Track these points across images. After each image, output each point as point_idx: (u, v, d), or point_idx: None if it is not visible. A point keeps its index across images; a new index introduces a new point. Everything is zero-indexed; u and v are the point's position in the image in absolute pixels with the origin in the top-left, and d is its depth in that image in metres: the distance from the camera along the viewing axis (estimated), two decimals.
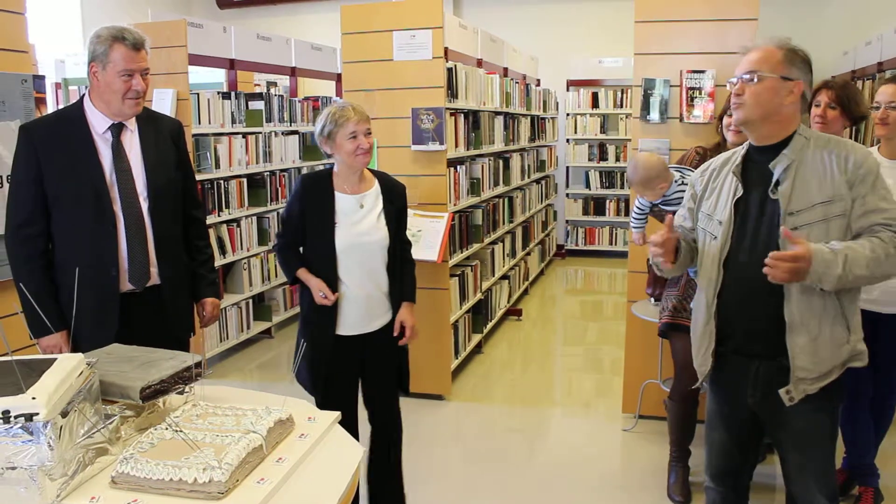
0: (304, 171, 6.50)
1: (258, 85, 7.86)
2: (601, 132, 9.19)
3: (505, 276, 6.31)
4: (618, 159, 9.14)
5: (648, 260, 3.11)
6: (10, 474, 1.45)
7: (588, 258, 9.28)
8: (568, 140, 9.25)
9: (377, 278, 2.77)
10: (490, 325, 5.83)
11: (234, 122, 5.39)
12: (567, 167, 9.36)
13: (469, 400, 4.62)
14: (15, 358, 1.58)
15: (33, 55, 4.71)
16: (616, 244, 9.22)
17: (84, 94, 2.53)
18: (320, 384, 2.77)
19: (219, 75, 6.12)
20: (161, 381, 1.79)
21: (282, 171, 6.10)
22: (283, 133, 6.14)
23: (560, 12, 8.97)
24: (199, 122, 5.01)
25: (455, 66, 4.67)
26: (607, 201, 9.27)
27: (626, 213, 8.84)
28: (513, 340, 6.02)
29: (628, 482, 3.61)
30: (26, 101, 3.16)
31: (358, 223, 2.73)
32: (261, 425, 1.68)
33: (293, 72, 6.40)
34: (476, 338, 5.45)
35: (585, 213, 9.36)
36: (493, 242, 5.91)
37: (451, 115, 4.64)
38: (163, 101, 4.69)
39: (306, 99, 6.61)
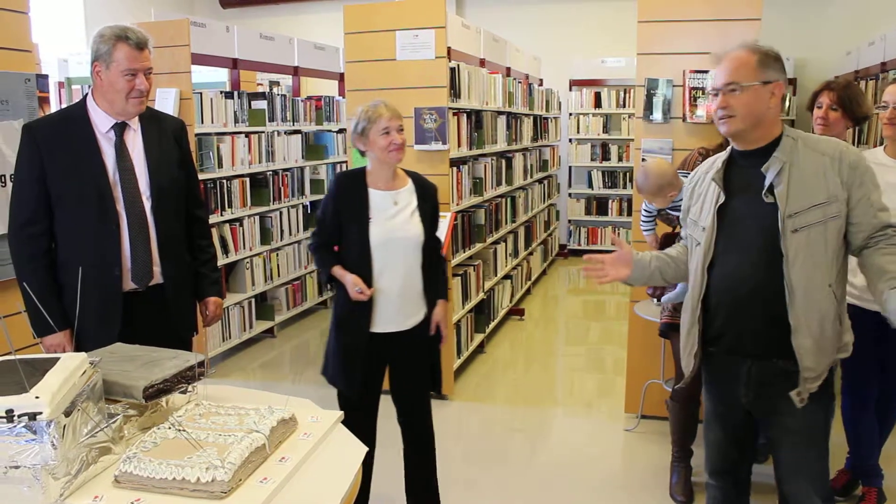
0: (307, 170, 6.51)
1: (261, 84, 7.87)
2: (604, 132, 9.18)
3: (507, 276, 6.31)
4: (620, 159, 9.13)
5: None
6: (13, 473, 1.46)
7: None
8: (571, 140, 9.24)
9: (411, 276, 2.77)
10: (492, 324, 5.83)
11: (236, 121, 5.40)
12: (570, 167, 9.36)
13: (471, 399, 4.62)
14: (18, 357, 1.58)
15: (37, 54, 4.70)
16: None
17: (87, 94, 2.53)
18: (356, 383, 2.77)
19: (222, 75, 6.12)
20: (164, 380, 1.79)
21: (284, 170, 6.11)
22: (285, 133, 6.14)
23: (563, 12, 8.96)
24: (202, 122, 5.01)
25: (458, 65, 4.67)
26: (610, 201, 9.27)
27: (629, 213, 8.84)
28: (515, 340, 6.02)
29: (630, 482, 3.60)
30: (30, 100, 3.16)
31: (392, 219, 2.73)
32: (264, 425, 1.68)
33: (296, 71, 6.41)
34: (478, 337, 5.45)
35: (588, 212, 9.35)
36: (496, 242, 5.91)
37: (454, 114, 4.63)
38: (166, 101, 4.70)
39: (309, 98, 6.61)
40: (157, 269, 2.56)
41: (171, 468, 1.49)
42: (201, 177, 4.63)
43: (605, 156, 9.19)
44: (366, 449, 1.78)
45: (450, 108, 4.43)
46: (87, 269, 2.32)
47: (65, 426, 1.49)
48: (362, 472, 2.84)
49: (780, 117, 2.15)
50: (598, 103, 9.10)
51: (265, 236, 5.89)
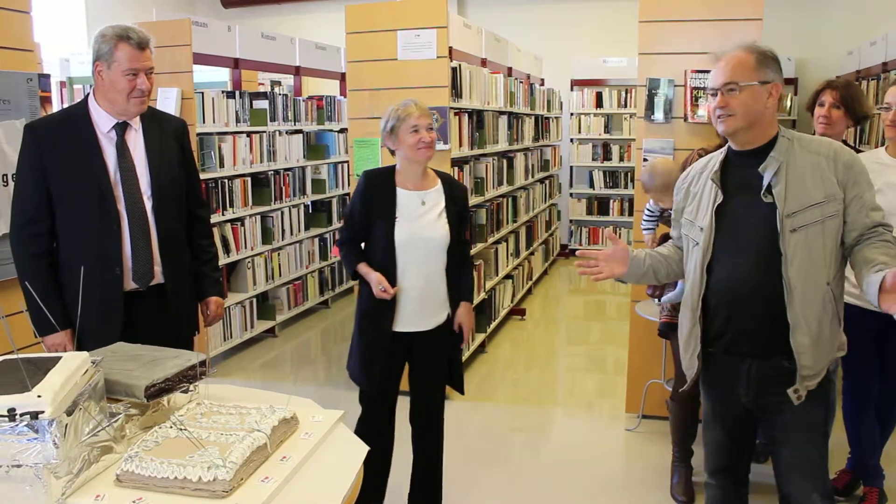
0: (308, 170, 6.52)
1: (262, 84, 7.87)
2: (605, 132, 9.17)
3: (508, 276, 6.31)
4: (622, 159, 9.13)
5: None
6: (15, 472, 1.46)
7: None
8: (572, 140, 9.23)
9: (435, 276, 2.77)
10: (493, 324, 5.83)
11: (238, 121, 5.40)
12: (571, 167, 9.35)
13: (472, 399, 4.62)
14: (20, 356, 1.59)
15: (38, 54, 4.72)
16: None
17: (89, 93, 2.53)
18: (375, 381, 2.78)
19: (223, 74, 6.13)
20: (166, 379, 1.80)
21: (286, 170, 6.11)
22: (287, 132, 6.15)
23: (564, 12, 8.96)
24: (204, 121, 5.01)
25: (459, 65, 4.67)
26: (611, 201, 9.26)
27: (630, 213, 8.83)
28: (516, 340, 6.02)
29: (631, 482, 3.60)
30: (31, 99, 3.16)
31: (419, 219, 2.73)
32: (265, 424, 1.68)
33: (297, 71, 6.41)
34: (479, 337, 5.45)
35: (589, 212, 9.35)
36: (497, 242, 5.91)
37: (456, 114, 4.64)
38: (167, 100, 4.70)
39: (310, 98, 6.61)
40: (158, 268, 2.56)
41: (173, 467, 1.49)
42: (203, 176, 4.63)
43: (607, 156, 9.18)
44: (367, 448, 1.78)
45: (451, 108, 4.43)
46: (88, 269, 2.32)
47: (66, 425, 1.49)
48: (379, 470, 2.87)
49: (777, 118, 2.16)
50: (599, 103, 9.10)
51: (266, 236, 5.90)
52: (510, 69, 6.48)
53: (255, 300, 5.79)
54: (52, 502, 1.46)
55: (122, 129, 2.50)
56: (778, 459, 2.26)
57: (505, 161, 6.12)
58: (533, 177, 7.29)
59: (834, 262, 2.07)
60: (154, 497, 1.49)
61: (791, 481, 2.21)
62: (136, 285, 2.52)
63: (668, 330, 3.30)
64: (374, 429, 2.81)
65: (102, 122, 2.49)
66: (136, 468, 1.51)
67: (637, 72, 3.99)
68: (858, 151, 3.03)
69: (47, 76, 3.38)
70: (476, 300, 5.23)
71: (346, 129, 6.44)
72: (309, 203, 6.64)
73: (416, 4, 4.39)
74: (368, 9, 4.46)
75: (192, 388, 1.90)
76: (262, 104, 5.67)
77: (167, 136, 2.63)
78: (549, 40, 8.80)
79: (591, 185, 9.35)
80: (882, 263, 1.93)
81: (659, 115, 3.94)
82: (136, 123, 2.55)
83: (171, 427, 1.66)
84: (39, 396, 1.45)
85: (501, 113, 5.92)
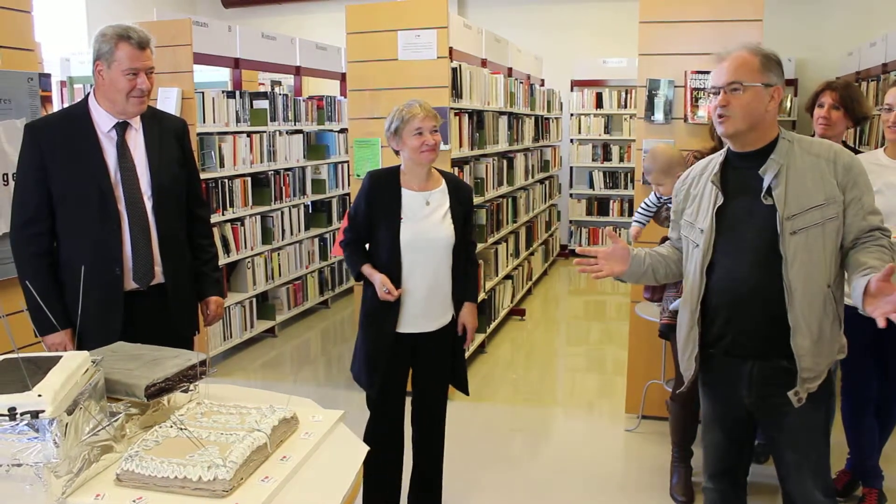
0: (309, 170, 6.52)
1: (263, 84, 7.87)
2: (605, 132, 9.18)
3: (508, 276, 6.31)
4: (622, 160, 9.13)
5: None
6: (15, 471, 1.46)
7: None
8: (572, 140, 9.24)
9: (440, 277, 2.76)
10: (493, 324, 5.83)
11: (238, 121, 5.40)
12: (571, 167, 9.36)
13: (472, 399, 4.61)
14: (21, 355, 1.59)
15: (39, 53, 4.72)
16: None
17: (89, 93, 2.53)
18: (377, 382, 2.77)
19: (223, 74, 6.13)
20: (166, 379, 1.80)
21: (286, 170, 6.11)
22: (287, 132, 6.15)
23: (564, 12, 8.96)
24: (204, 121, 5.01)
25: (459, 65, 4.68)
26: (611, 202, 9.26)
27: (630, 214, 8.82)
28: (516, 340, 6.02)
29: (631, 482, 3.61)
30: (32, 99, 3.16)
31: (424, 220, 2.73)
32: (265, 424, 1.68)
33: (298, 71, 6.41)
34: (479, 337, 5.45)
35: (589, 213, 9.35)
36: (497, 242, 5.91)
37: (456, 114, 4.64)
38: (167, 100, 4.70)
39: (311, 98, 6.61)
40: (158, 268, 2.56)
41: (173, 467, 1.50)
42: (203, 176, 4.63)
43: (607, 156, 9.19)
44: (367, 448, 1.78)
45: (451, 109, 4.43)
46: (88, 268, 2.31)
47: (67, 424, 1.49)
48: (392, 472, 2.87)
49: (778, 120, 2.15)
50: (599, 104, 9.10)
51: (266, 236, 5.90)
52: (510, 69, 6.48)
53: (254, 300, 5.79)
54: (53, 501, 1.46)
55: (122, 128, 2.50)
56: (780, 460, 2.26)
57: (505, 161, 6.12)
58: (533, 177, 7.29)
59: (834, 265, 2.07)
60: (154, 496, 1.49)
61: (794, 480, 2.21)
62: (136, 285, 2.52)
63: (669, 331, 3.30)
64: (385, 431, 2.81)
65: (103, 121, 2.49)
66: (137, 467, 1.51)
67: (637, 72, 3.99)
68: (858, 153, 3.04)
69: (48, 76, 3.38)
70: (476, 302, 5.23)
71: (347, 130, 6.44)
72: (309, 203, 6.64)
73: (417, 5, 4.39)
74: (369, 9, 4.46)
75: (192, 387, 1.90)
76: (263, 104, 5.67)
77: (167, 135, 2.63)
78: (550, 41, 8.80)
79: (591, 186, 9.35)
80: (871, 268, 1.93)
81: (659, 115, 3.94)
82: (137, 123, 2.55)
83: (172, 427, 1.66)
84: (40, 396, 1.45)
85: (501, 113, 5.92)
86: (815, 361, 2.07)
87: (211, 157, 5.08)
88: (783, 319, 2.05)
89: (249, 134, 5.56)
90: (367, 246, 2.83)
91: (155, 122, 2.61)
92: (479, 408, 4.52)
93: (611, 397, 4.66)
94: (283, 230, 6.11)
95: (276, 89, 7.29)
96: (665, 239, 2.93)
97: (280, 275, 6.10)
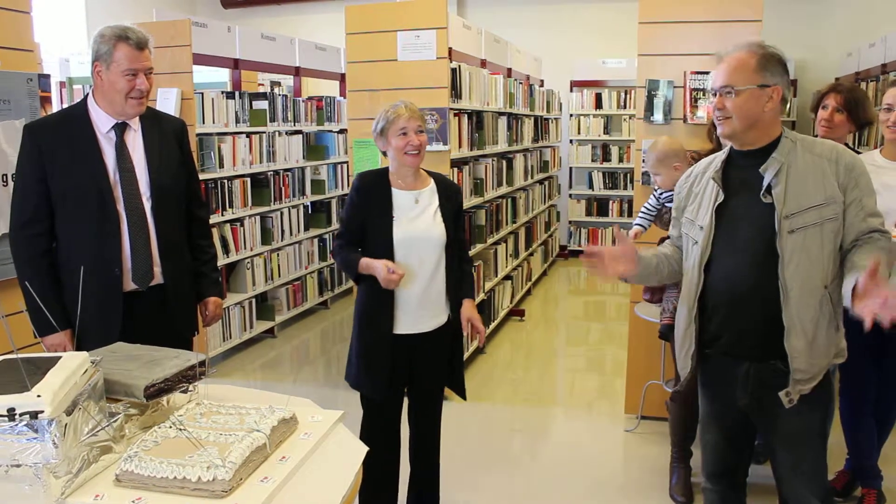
0: (308, 170, 6.52)
1: (262, 85, 7.87)
2: (604, 133, 9.18)
3: (508, 277, 6.31)
4: (621, 160, 9.13)
5: None
6: (14, 472, 1.46)
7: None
8: (571, 141, 9.24)
9: (434, 276, 2.75)
10: (493, 325, 5.83)
11: (237, 121, 5.40)
12: (570, 168, 9.36)
13: (471, 400, 4.60)
14: (20, 356, 1.59)
15: (38, 54, 4.72)
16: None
17: (88, 94, 2.53)
18: (382, 386, 2.74)
19: (223, 75, 6.13)
20: (165, 379, 1.80)
21: (285, 170, 6.11)
22: (286, 133, 6.15)
23: (564, 13, 8.97)
24: (203, 122, 5.01)
25: (459, 66, 4.68)
26: (610, 202, 9.27)
27: (630, 214, 8.84)
28: (515, 341, 6.02)
29: (630, 482, 3.61)
30: (31, 99, 3.17)
31: (415, 219, 2.72)
32: (264, 424, 1.68)
33: (297, 71, 6.41)
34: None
35: (588, 213, 9.35)
36: (496, 243, 5.91)
37: (455, 115, 4.64)
38: (167, 101, 4.70)
39: (310, 99, 6.61)
40: (157, 269, 2.56)
41: (172, 467, 1.49)
42: (202, 177, 4.63)
43: (606, 157, 9.19)
44: (366, 449, 1.78)
45: (451, 109, 4.43)
46: (87, 269, 2.31)
47: (66, 425, 1.49)
48: (387, 475, 2.86)
49: (781, 119, 2.15)
50: (598, 104, 9.11)
51: (266, 236, 5.90)
52: (510, 70, 6.49)
53: (254, 300, 5.79)
54: (52, 502, 1.46)
55: (121, 129, 2.50)
56: (776, 462, 2.26)
57: (504, 162, 6.12)
58: (532, 178, 7.30)
59: (833, 266, 2.06)
60: (153, 497, 1.49)
61: (789, 483, 2.21)
62: (135, 286, 2.52)
63: (669, 332, 3.30)
64: (381, 432, 2.80)
65: (102, 122, 2.49)
66: (136, 468, 1.51)
67: (636, 73, 3.99)
68: (857, 153, 3.04)
69: (47, 76, 3.38)
70: (476, 301, 5.23)
71: (346, 130, 6.44)
72: (308, 204, 6.64)
73: (416, 5, 4.39)
74: (368, 10, 4.46)
75: (191, 388, 1.90)
76: (262, 105, 5.67)
77: (167, 136, 2.63)
78: (549, 41, 8.81)
79: (591, 186, 9.35)
80: (862, 268, 1.92)
81: (658, 116, 3.95)
82: (136, 124, 2.55)
83: (171, 427, 1.66)
84: (39, 396, 1.45)
85: (501, 114, 5.92)
86: (810, 363, 2.06)
87: (210, 157, 5.08)
88: (779, 319, 2.04)
89: (249, 134, 5.56)
90: (359, 250, 2.81)
91: (154, 122, 2.61)
92: (479, 408, 4.52)
93: (610, 398, 4.66)
94: (283, 231, 6.11)
95: (276, 90, 7.29)
96: (664, 239, 2.94)
97: (279, 275, 6.10)
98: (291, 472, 1.61)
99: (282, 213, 6.07)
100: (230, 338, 5.47)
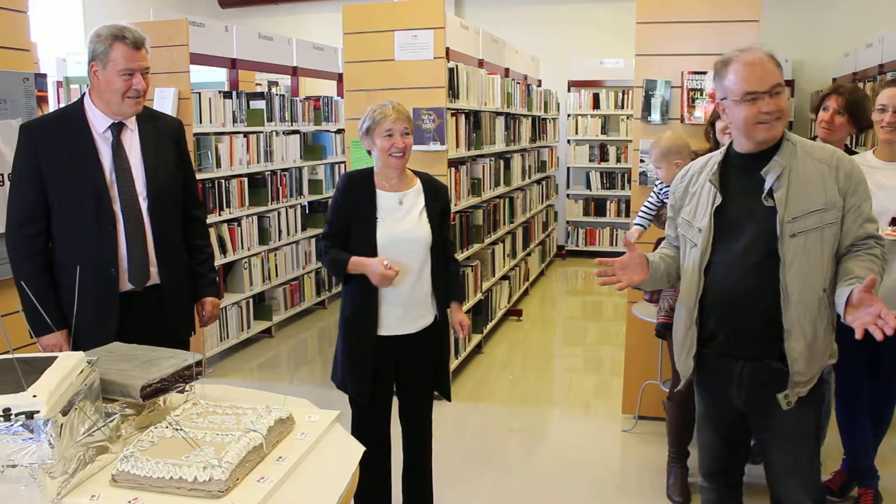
0: (305, 170, 6.52)
1: (259, 84, 7.87)
2: (602, 133, 9.19)
3: (505, 277, 6.31)
4: (619, 160, 9.14)
5: None
6: (10, 472, 1.46)
7: (588, 259, 9.27)
8: (569, 141, 9.25)
9: (420, 277, 2.73)
10: (490, 325, 5.83)
11: (235, 121, 5.40)
12: (568, 168, 9.37)
13: (469, 400, 4.62)
14: (16, 356, 1.58)
15: (35, 53, 4.71)
16: (616, 245, 9.21)
17: (84, 93, 2.53)
18: (367, 387, 2.73)
19: (220, 74, 6.12)
20: (162, 379, 1.80)
21: (283, 170, 6.11)
22: (284, 133, 6.14)
23: (561, 13, 8.98)
24: (201, 122, 5.01)
25: (456, 66, 4.68)
26: (608, 202, 9.27)
27: (627, 215, 8.84)
28: (513, 341, 6.02)
29: (627, 482, 3.61)
30: (28, 99, 3.16)
31: (399, 220, 2.70)
32: (261, 424, 1.68)
33: (295, 71, 6.41)
34: (476, 338, 5.45)
35: (586, 213, 9.36)
36: (494, 243, 5.91)
37: (453, 115, 4.64)
38: (164, 101, 4.70)
39: (307, 99, 6.61)
40: (154, 269, 2.56)
41: (169, 467, 1.49)
42: (199, 177, 4.63)
43: (604, 157, 9.20)
44: (363, 448, 1.77)
45: (448, 109, 4.43)
46: (84, 270, 2.32)
47: (62, 425, 1.49)
48: (380, 478, 2.86)
49: None
50: (596, 104, 9.11)
51: (263, 236, 5.89)
52: (507, 70, 6.49)
53: (251, 301, 5.78)
54: (48, 502, 1.46)
55: (117, 129, 2.50)
56: (769, 463, 2.26)
57: (502, 162, 6.12)
58: (530, 178, 7.30)
59: (830, 269, 2.07)
60: (150, 497, 1.48)
61: (782, 483, 2.21)
62: (132, 286, 2.52)
63: (666, 330, 3.30)
64: (370, 434, 2.79)
65: (98, 122, 2.48)
66: (132, 468, 1.51)
67: (634, 73, 3.99)
68: (853, 153, 3.04)
69: (44, 76, 3.38)
70: (473, 301, 5.24)
71: (343, 130, 6.44)
72: (306, 203, 6.64)
73: (414, 5, 4.39)
74: (366, 9, 4.46)
75: (188, 388, 1.89)
76: (259, 104, 5.66)
77: (163, 136, 2.63)
78: (547, 41, 8.81)
79: (588, 186, 9.36)
80: (857, 277, 1.94)
81: (656, 116, 3.95)
82: (132, 123, 2.54)
83: (167, 427, 1.66)
84: (35, 396, 1.45)
85: (498, 114, 5.92)
86: (808, 365, 2.07)
87: (207, 157, 5.07)
88: (778, 322, 2.05)
89: (246, 134, 5.55)
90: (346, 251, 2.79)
91: (151, 122, 2.61)
92: (476, 408, 4.52)
93: (607, 398, 4.66)
94: (280, 231, 6.11)
95: (273, 90, 7.28)
96: (661, 240, 2.94)
97: (277, 275, 6.10)
98: (288, 472, 1.61)
99: (279, 213, 6.06)
100: (227, 338, 5.46)
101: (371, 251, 2.66)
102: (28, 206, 2.45)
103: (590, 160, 9.24)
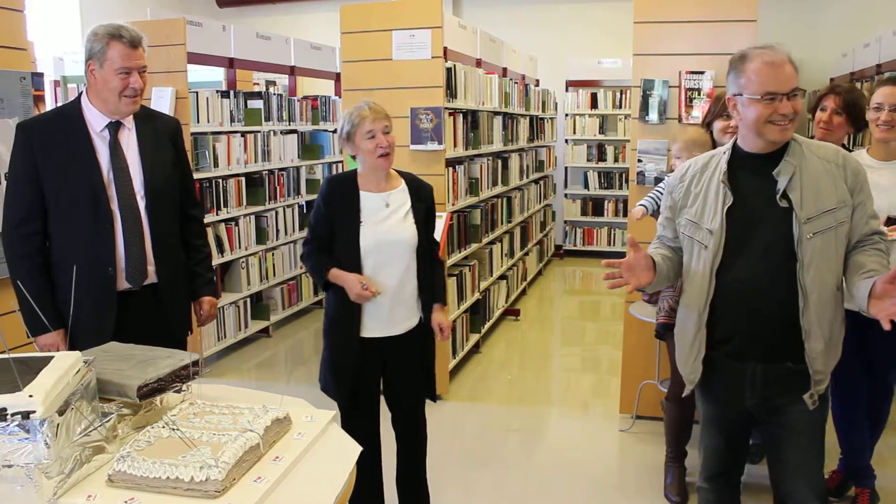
0: (303, 170, 6.51)
1: (257, 84, 7.86)
2: (600, 133, 9.19)
3: (503, 276, 6.31)
4: (616, 160, 9.15)
5: None
6: (6, 472, 1.45)
7: (586, 259, 9.28)
8: (567, 140, 9.25)
9: (405, 279, 2.70)
10: (488, 325, 5.83)
11: (232, 120, 5.39)
12: (566, 167, 9.37)
13: (466, 400, 4.62)
14: (12, 356, 1.58)
15: (32, 52, 4.70)
16: (614, 245, 9.22)
17: (82, 92, 2.52)
18: (346, 389, 2.71)
19: (218, 74, 6.12)
20: (158, 379, 1.79)
21: (280, 170, 6.10)
22: (281, 132, 6.14)
23: (559, 13, 8.98)
24: (198, 121, 5.00)
25: (454, 65, 4.68)
26: (606, 202, 9.27)
27: (625, 214, 8.84)
28: (510, 340, 6.02)
29: (625, 482, 3.61)
30: (25, 98, 3.16)
31: (383, 222, 2.68)
32: (258, 424, 1.68)
33: (292, 71, 6.40)
34: (474, 338, 5.45)
35: (584, 213, 9.36)
36: (492, 242, 5.91)
37: (450, 114, 4.64)
38: (161, 100, 4.69)
39: (305, 98, 6.60)
40: (151, 268, 2.56)
41: (165, 467, 1.49)
42: (197, 176, 4.62)
43: (602, 156, 9.20)
44: (360, 448, 1.77)
45: (446, 109, 4.43)
46: (81, 269, 2.31)
47: (58, 425, 1.48)
48: (371, 478, 2.85)
49: None
50: (594, 104, 9.11)
51: (260, 236, 5.89)
52: (505, 70, 6.48)
53: (248, 300, 5.78)
54: (44, 502, 1.45)
55: (115, 128, 2.49)
56: (778, 460, 2.23)
57: (500, 161, 6.12)
58: (528, 177, 7.30)
59: (841, 267, 2.08)
60: (146, 497, 1.48)
61: (791, 482, 2.19)
62: (129, 285, 2.51)
63: (666, 331, 3.30)
64: (356, 436, 2.77)
65: (95, 121, 2.48)
66: (129, 468, 1.51)
67: (632, 73, 3.99)
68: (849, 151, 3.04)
69: (41, 75, 3.37)
70: (470, 301, 5.24)
71: None
72: (303, 203, 6.63)
73: (411, 4, 4.39)
74: (363, 9, 4.46)
75: (184, 387, 1.89)
76: (257, 104, 5.66)
77: (161, 135, 2.63)
78: (545, 41, 8.81)
79: (586, 186, 9.36)
80: (872, 270, 1.95)
81: (653, 116, 3.95)
82: (130, 123, 2.54)
83: (164, 427, 1.66)
84: (31, 396, 1.44)
85: (496, 113, 5.92)
86: (826, 363, 2.08)
87: (205, 156, 5.07)
88: (795, 322, 2.03)
89: (244, 134, 5.55)
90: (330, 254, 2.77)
91: (148, 121, 2.60)
92: (474, 408, 4.52)
93: (605, 397, 4.66)
94: (278, 230, 6.10)
95: (271, 89, 7.28)
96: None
97: (274, 275, 6.09)
98: (285, 472, 1.60)
99: (276, 213, 6.06)
100: (224, 337, 5.46)
101: (354, 255, 2.65)
102: (24, 206, 2.44)
103: (587, 160, 9.25)
